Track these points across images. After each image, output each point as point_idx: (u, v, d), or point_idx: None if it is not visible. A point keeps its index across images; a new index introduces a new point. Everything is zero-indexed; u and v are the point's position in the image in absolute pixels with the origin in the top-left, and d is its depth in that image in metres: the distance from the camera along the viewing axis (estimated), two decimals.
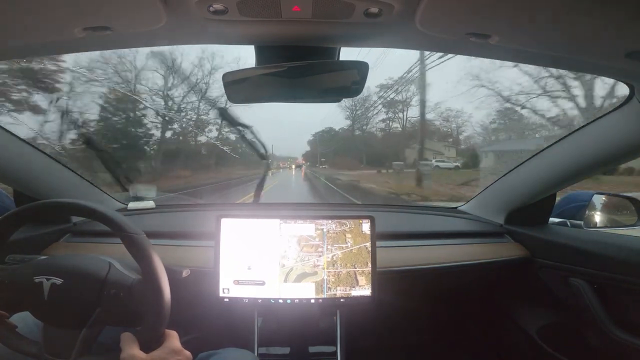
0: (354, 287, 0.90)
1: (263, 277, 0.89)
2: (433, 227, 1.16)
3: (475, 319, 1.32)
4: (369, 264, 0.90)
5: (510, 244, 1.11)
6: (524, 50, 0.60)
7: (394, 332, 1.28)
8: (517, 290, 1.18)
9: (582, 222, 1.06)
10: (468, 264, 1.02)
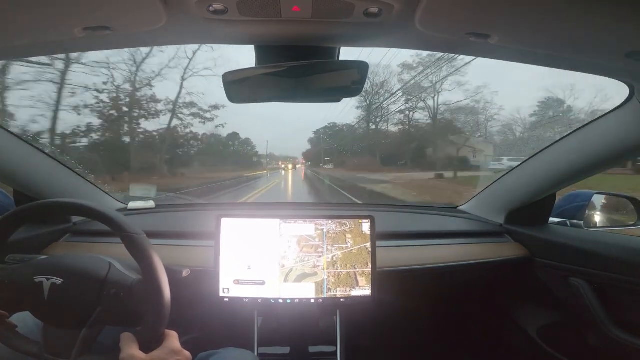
0: (354, 287, 0.90)
1: (263, 277, 0.89)
2: (433, 227, 1.16)
3: (475, 319, 1.32)
4: (369, 265, 0.90)
5: (510, 243, 1.11)
6: (524, 50, 0.60)
7: (394, 332, 1.28)
8: (517, 290, 1.18)
9: (582, 222, 1.05)
10: (468, 264, 1.02)
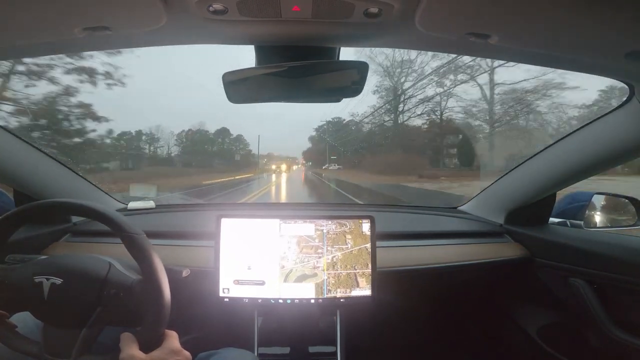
0: (354, 288, 0.90)
1: (263, 277, 0.89)
2: (433, 227, 1.16)
3: (475, 319, 1.32)
4: (369, 265, 0.90)
5: (510, 243, 1.11)
6: (524, 50, 0.61)
7: (394, 332, 1.28)
8: (517, 290, 1.18)
9: (582, 222, 1.05)
10: (468, 264, 1.02)
